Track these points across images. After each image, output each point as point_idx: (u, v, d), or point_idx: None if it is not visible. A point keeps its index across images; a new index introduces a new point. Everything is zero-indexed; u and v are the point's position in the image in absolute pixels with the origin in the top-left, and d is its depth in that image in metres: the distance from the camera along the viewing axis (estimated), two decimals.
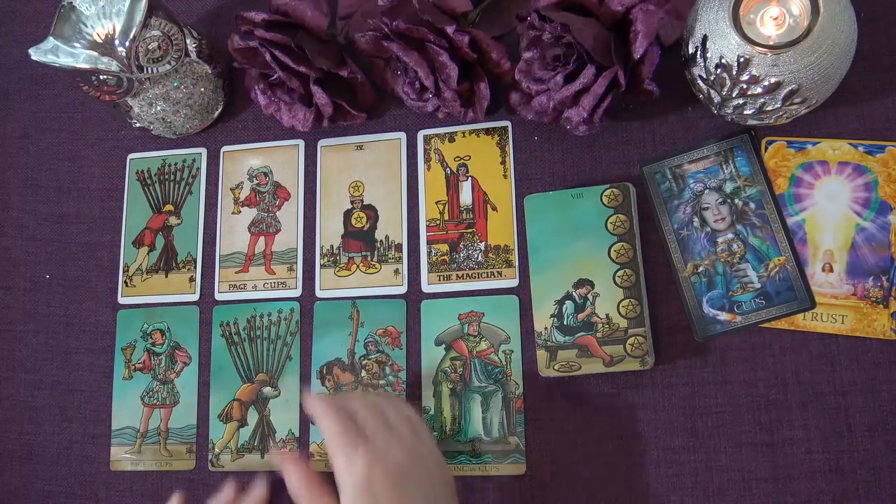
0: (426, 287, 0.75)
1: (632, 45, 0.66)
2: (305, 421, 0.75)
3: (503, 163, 0.76)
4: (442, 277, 0.75)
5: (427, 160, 0.78)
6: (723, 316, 0.68)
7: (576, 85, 0.67)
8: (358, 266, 0.77)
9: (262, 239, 0.80)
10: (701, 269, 0.70)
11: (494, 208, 0.76)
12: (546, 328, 0.70)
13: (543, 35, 0.69)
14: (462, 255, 0.75)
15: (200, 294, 0.79)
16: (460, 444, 0.72)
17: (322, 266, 0.78)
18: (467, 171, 0.77)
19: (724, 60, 0.62)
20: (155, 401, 0.78)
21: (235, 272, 0.79)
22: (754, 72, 0.61)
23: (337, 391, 0.75)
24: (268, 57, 0.72)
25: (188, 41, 0.77)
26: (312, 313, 0.77)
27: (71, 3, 0.72)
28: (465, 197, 0.77)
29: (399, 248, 0.77)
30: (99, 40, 0.72)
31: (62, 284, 0.83)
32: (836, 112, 0.70)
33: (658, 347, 0.69)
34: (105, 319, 0.81)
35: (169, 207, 0.82)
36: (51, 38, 0.72)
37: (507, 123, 0.77)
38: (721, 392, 0.68)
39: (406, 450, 0.61)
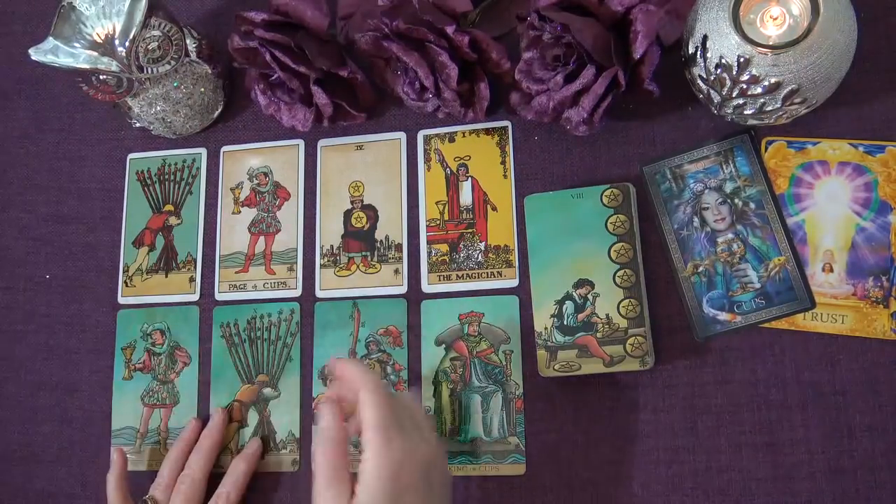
0: (426, 287, 0.75)
1: (632, 45, 0.66)
2: (305, 422, 0.75)
3: (503, 163, 0.76)
4: (442, 277, 0.75)
5: (427, 160, 0.78)
6: (723, 316, 0.68)
7: (576, 85, 0.67)
8: (358, 266, 0.77)
9: (262, 239, 0.80)
10: (701, 269, 0.70)
11: (494, 208, 0.76)
12: (546, 328, 0.70)
13: (543, 35, 0.69)
14: (462, 255, 0.75)
15: (200, 294, 0.79)
16: (460, 444, 0.72)
17: (322, 266, 0.78)
18: (467, 171, 0.77)
19: (724, 60, 0.62)
20: (155, 401, 0.78)
21: (235, 272, 0.79)
22: (754, 72, 0.61)
23: None
24: (268, 57, 0.72)
25: (188, 41, 0.77)
26: (313, 313, 0.77)
27: (71, 3, 0.72)
28: (465, 197, 0.77)
29: (399, 248, 0.77)
30: (99, 40, 0.72)
31: (62, 284, 0.83)
32: (836, 112, 0.70)
33: (658, 347, 0.69)
34: (105, 319, 0.81)
35: (169, 207, 0.82)
36: (51, 38, 0.72)
37: (507, 123, 0.77)
38: (721, 392, 0.68)
39: (431, 449, 0.62)
